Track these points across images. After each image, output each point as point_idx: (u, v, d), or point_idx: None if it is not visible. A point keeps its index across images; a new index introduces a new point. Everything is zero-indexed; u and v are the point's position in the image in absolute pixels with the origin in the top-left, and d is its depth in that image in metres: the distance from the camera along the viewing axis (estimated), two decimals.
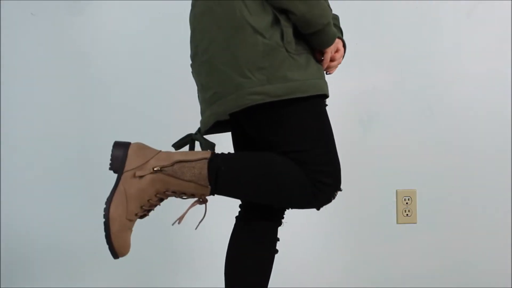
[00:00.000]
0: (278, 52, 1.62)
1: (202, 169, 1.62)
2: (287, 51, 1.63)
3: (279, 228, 1.85)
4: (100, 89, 2.72)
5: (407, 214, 2.83)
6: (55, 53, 2.69)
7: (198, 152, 1.68)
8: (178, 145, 1.81)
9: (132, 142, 1.68)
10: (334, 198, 1.71)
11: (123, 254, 1.66)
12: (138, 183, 1.62)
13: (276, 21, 1.63)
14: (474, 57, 2.82)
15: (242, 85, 1.61)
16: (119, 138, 2.66)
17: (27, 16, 2.68)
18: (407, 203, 2.83)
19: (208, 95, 1.68)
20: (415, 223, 2.83)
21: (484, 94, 2.83)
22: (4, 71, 2.68)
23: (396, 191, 2.83)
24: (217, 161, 1.64)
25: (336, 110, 2.71)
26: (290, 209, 1.80)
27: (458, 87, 2.82)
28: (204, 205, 1.69)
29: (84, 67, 2.70)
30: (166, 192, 1.65)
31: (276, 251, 1.84)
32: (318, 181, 1.66)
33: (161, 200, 1.68)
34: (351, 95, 2.79)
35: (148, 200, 1.64)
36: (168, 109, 2.73)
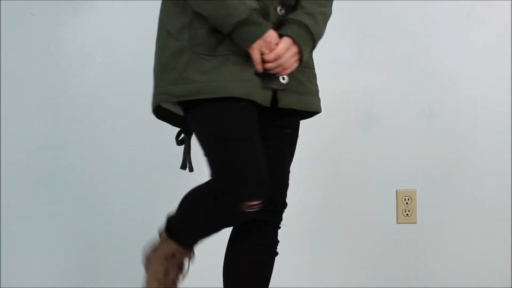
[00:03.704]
0: (185, 54, 1.62)
1: (164, 247, 1.79)
2: (195, 52, 1.61)
3: (279, 231, 1.85)
4: (100, 89, 2.71)
5: (407, 214, 2.83)
6: (55, 53, 2.69)
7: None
8: (179, 140, 1.89)
9: None
10: (252, 210, 1.59)
11: None
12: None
13: (190, 23, 1.63)
14: (474, 57, 2.82)
15: (157, 85, 1.71)
16: (118, 137, 2.70)
17: (27, 16, 2.68)
18: (407, 203, 2.83)
19: None
20: (415, 223, 2.83)
21: (484, 94, 2.82)
22: (4, 71, 2.67)
23: (396, 191, 2.83)
24: (167, 227, 1.81)
25: (336, 110, 2.72)
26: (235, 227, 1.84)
27: (458, 87, 2.82)
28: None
29: (84, 67, 2.70)
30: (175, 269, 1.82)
31: (276, 253, 1.84)
32: (219, 191, 1.60)
33: (181, 269, 1.83)
34: (351, 95, 2.79)
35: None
36: None
